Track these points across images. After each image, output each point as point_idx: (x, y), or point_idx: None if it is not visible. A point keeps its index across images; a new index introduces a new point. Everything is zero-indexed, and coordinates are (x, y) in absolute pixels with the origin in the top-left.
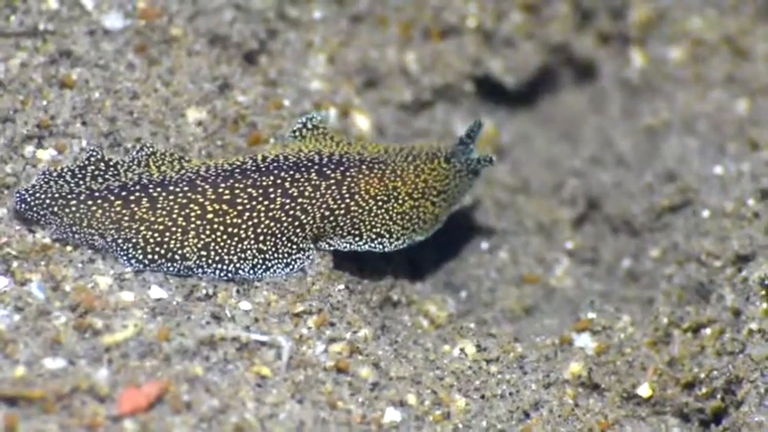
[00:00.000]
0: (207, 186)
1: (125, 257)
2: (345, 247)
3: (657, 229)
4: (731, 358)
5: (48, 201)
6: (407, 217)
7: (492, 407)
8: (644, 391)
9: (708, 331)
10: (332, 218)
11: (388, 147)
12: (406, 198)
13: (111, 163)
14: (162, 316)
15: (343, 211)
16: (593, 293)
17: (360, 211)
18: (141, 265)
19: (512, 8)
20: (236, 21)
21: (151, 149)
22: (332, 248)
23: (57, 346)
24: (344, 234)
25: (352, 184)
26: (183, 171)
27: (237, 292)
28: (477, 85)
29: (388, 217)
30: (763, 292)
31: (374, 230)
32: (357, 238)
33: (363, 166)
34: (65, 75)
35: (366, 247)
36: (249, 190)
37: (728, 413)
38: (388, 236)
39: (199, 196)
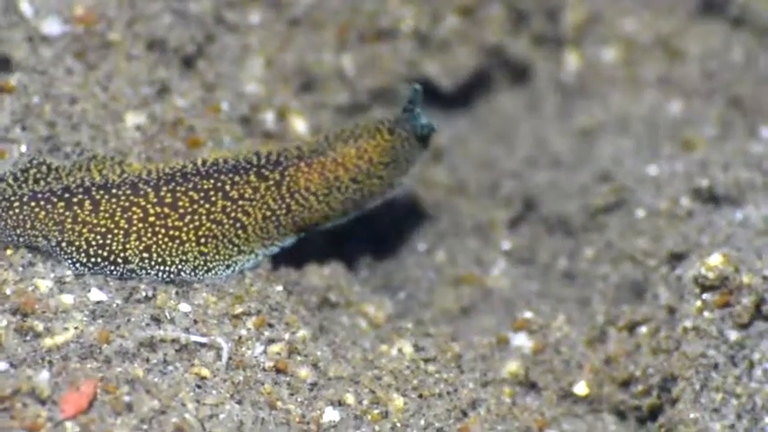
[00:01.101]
0: (149, 189)
1: (68, 260)
2: (292, 242)
3: (593, 228)
4: (666, 356)
5: None
6: (351, 200)
7: (430, 406)
8: (581, 389)
9: (643, 329)
10: (273, 218)
11: (330, 132)
12: (350, 184)
13: (53, 167)
14: (102, 318)
15: (284, 211)
16: (530, 293)
17: (300, 209)
18: (85, 268)
19: (447, 11)
20: (173, 25)
21: (92, 153)
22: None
23: None
24: (287, 233)
25: (291, 183)
26: (124, 175)
27: (177, 294)
28: None
29: (328, 208)
30: (698, 290)
31: (314, 223)
32: (299, 233)
33: (302, 163)
34: (4, 80)
35: (307, 234)
36: (190, 193)
37: (664, 410)
38: (327, 221)
39: (141, 199)
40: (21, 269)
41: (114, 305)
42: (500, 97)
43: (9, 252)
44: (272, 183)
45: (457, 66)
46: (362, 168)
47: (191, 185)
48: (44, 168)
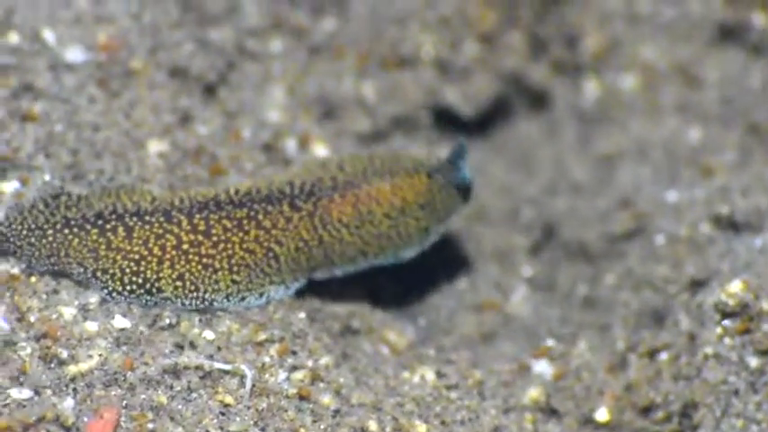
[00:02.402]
0: (182, 217)
1: (104, 288)
2: (324, 276)
3: (613, 255)
4: (687, 382)
5: (24, 231)
6: (385, 237)
7: None
8: (602, 415)
9: (664, 356)
10: (306, 249)
11: (368, 161)
12: (383, 219)
13: (83, 195)
14: (126, 345)
15: (316, 243)
16: (551, 319)
17: (332, 241)
18: (120, 296)
19: (467, 38)
20: (195, 54)
21: (121, 182)
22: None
23: (22, 376)
24: (318, 265)
25: (324, 215)
26: (156, 202)
27: (200, 321)
28: (434, 114)
29: (362, 242)
30: (718, 317)
31: (346, 256)
32: (331, 266)
33: (336, 195)
34: (27, 108)
35: (339, 271)
36: (224, 221)
37: None
38: (362, 257)
39: (174, 227)
40: (45, 296)
41: (138, 332)
42: (520, 124)
43: (33, 279)
44: (304, 213)
45: (477, 93)
46: (396, 205)
47: (224, 214)
48: (74, 196)
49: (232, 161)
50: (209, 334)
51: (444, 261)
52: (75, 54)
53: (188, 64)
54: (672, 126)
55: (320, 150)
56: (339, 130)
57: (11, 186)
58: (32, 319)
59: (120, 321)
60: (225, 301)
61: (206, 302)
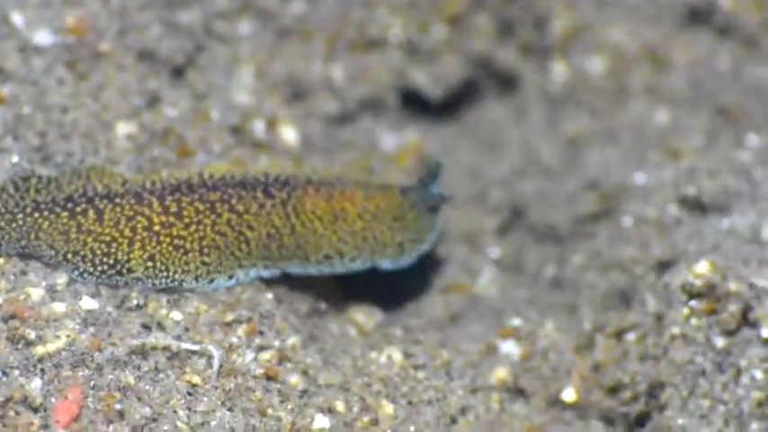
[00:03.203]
0: (153, 199)
1: (75, 270)
2: (298, 271)
3: (580, 236)
4: (654, 363)
5: None
6: (360, 237)
7: (419, 412)
8: (569, 395)
9: (631, 336)
10: (277, 236)
11: (342, 175)
12: (356, 219)
13: (53, 177)
14: (94, 326)
15: (288, 231)
16: (518, 301)
17: (304, 232)
18: (91, 277)
19: (435, 21)
20: (163, 36)
21: (91, 164)
22: (283, 272)
23: None
24: (291, 255)
25: (298, 204)
26: (127, 185)
27: (168, 302)
28: (402, 96)
29: (336, 238)
30: (685, 298)
31: (321, 252)
32: (305, 260)
33: (310, 188)
34: None
35: (315, 270)
36: (196, 204)
37: (652, 417)
38: (338, 256)
39: (145, 208)
40: (13, 278)
41: (106, 313)
42: (488, 106)
43: (1, 261)
44: (278, 201)
45: (445, 75)
46: (369, 209)
47: (197, 196)
48: (44, 179)
49: (200, 143)
50: (176, 315)
51: None
52: (43, 37)
53: (156, 46)
54: (640, 108)
55: (288, 132)
56: (307, 111)
57: None
58: (0, 300)
59: (87, 302)
60: (194, 282)
61: (175, 283)
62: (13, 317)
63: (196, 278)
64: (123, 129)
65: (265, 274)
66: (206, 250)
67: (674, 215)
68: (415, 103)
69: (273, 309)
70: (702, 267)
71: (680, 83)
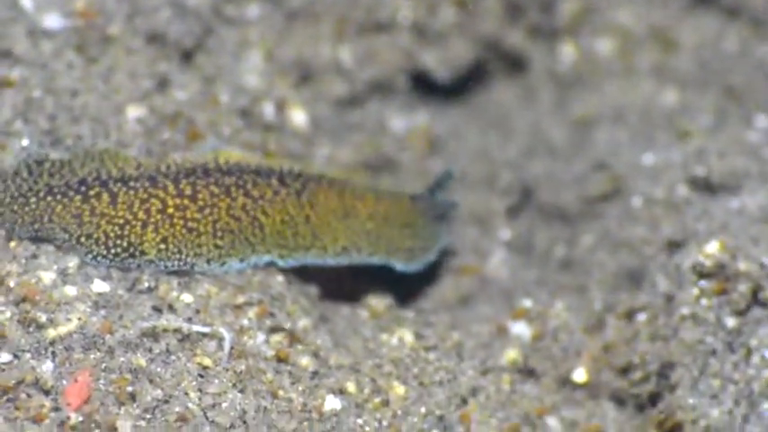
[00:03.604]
0: (168, 182)
1: (88, 253)
2: (316, 262)
3: (590, 217)
4: (664, 343)
5: (7, 199)
6: (373, 236)
7: (430, 393)
8: (579, 376)
9: (641, 317)
10: (292, 224)
11: (352, 177)
12: (367, 219)
13: (66, 160)
14: (105, 309)
15: (303, 220)
16: (528, 282)
17: (319, 222)
18: (105, 260)
19: (444, 3)
20: (173, 19)
21: (105, 147)
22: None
23: (2, 340)
24: (308, 245)
25: (311, 195)
26: (141, 168)
27: (179, 284)
28: (411, 79)
29: (350, 231)
30: (695, 278)
31: (339, 244)
32: (323, 251)
33: (323, 181)
34: (5, 75)
35: (333, 261)
36: (211, 187)
37: (663, 396)
38: (355, 250)
39: (160, 191)
40: (24, 261)
41: (117, 296)
42: (496, 88)
43: (13, 244)
44: (292, 190)
45: (454, 57)
46: (379, 212)
47: (212, 180)
48: (58, 163)
49: (210, 126)
50: (187, 297)
51: None
52: (52, 20)
53: (165, 30)
54: (648, 89)
55: (298, 115)
56: (316, 94)
57: None
58: (12, 283)
59: (99, 285)
60: (205, 265)
61: (188, 265)
62: (24, 300)
63: (208, 261)
64: (133, 112)
65: (281, 263)
66: (219, 233)
67: (684, 195)
68: (423, 86)
69: (284, 291)
70: (712, 247)
71: (688, 64)
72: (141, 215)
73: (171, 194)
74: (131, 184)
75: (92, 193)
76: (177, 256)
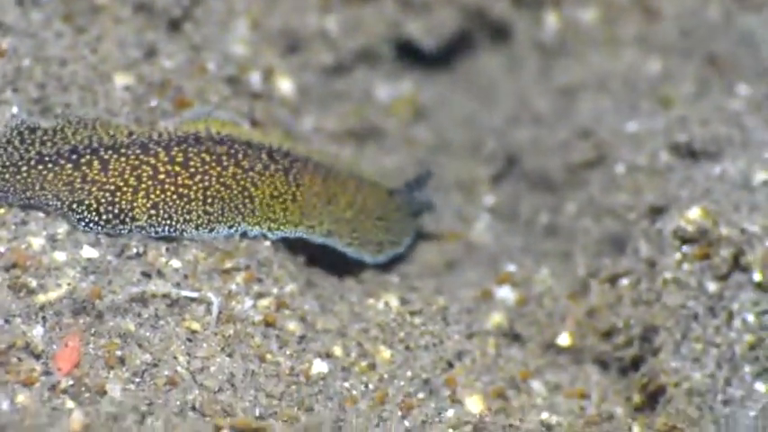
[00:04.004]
0: (159, 149)
1: (80, 220)
2: (307, 238)
3: (574, 184)
4: (647, 307)
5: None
6: (351, 225)
7: (416, 357)
8: (564, 340)
9: (624, 282)
10: (281, 199)
11: (337, 161)
12: (346, 207)
13: (59, 127)
14: (94, 275)
15: (290, 197)
16: (513, 247)
17: (305, 203)
18: (97, 227)
19: None
20: None
21: (97, 115)
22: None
23: None
24: (297, 222)
25: (298, 175)
26: (133, 136)
27: (167, 250)
28: (397, 48)
29: (332, 218)
30: (677, 243)
31: (324, 227)
32: (311, 230)
33: (309, 164)
34: None
35: (321, 240)
36: (203, 155)
37: (646, 360)
38: (338, 236)
39: (151, 158)
40: (14, 228)
41: (106, 262)
42: (481, 57)
43: (2, 211)
44: (281, 167)
45: (439, 26)
46: (358, 201)
47: (203, 148)
48: (50, 130)
49: (198, 93)
50: (175, 263)
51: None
52: None
53: None
54: (631, 58)
55: (284, 83)
56: (303, 63)
57: None
58: (2, 249)
59: (88, 251)
60: (194, 231)
61: (177, 231)
62: (14, 266)
63: (197, 227)
64: (121, 80)
65: (270, 236)
66: (210, 200)
67: (666, 162)
68: (409, 55)
69: (271, 256)
70: (694, 213)
71: (670, 32)
72: (132, 181)
73: (162, 161)
74: (123, 151)
75: (83, 160)
76: (167, 222)
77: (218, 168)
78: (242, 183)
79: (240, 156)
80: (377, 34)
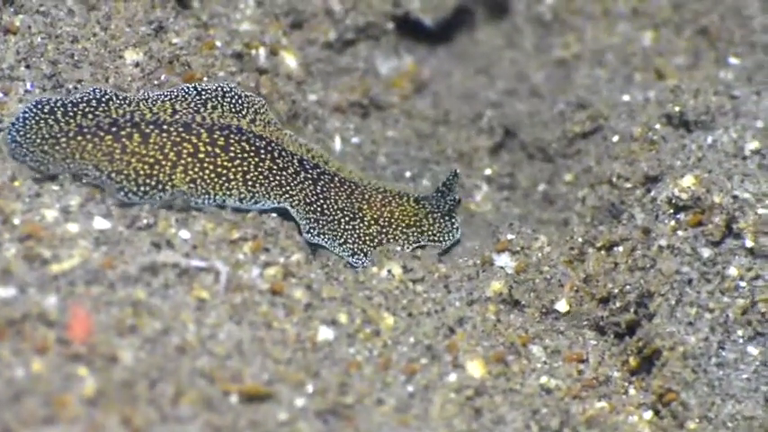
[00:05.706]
0: (202, 131)
1: (119, 189)
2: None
3: (570, 154)
4: (643, 273)
5: (38, 140)
6: (376, 241)
7: (419, 324)
8: (562, 306)
9: (620, 249)
10: (312, 208)
11: (362, 176)
12: (372, 222)
13: (104, 99)
14: (106, 245)
15: (319, 209)
16: (512, 216)
17: (330, 218)
18: (135, 197)
19: None
20: None
21: (144, 94)
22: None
23: (8, 276)
24: (329, 235)
25: (324, 189)
26: (176, 116)
27: (176, 221)
28: (398, 23)
29: (356, 235)
30: (671, 211)
31: (347, 244)
32: (338, 244)
33: (336, 178)
34: (9, 22)
35: (345, 256)
36: (243, 144)
37: (642, 325)
38: (362, 255)
39: (193, 137)
40: (28, 200)
41: (117, 233)
42: (480, 32)
43: (17, 183)
44: (309, 177)
45: (439, 2)
46: (384, 215)
47: (245, 138)
48: (94, 103)
49: (206, 69)
50: (184, 233)
51: (409, 162)
52: None
53: None
54: (625, 31)
55: (289, 59)
56: (307, 39)
57: None
58: (17, 221)
59: (99, 222)
60: (238, 202)
61: (217, 203)
62: (28, 237)
63: (240, 200)
64: (131, 57)
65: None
66: (250, 183)
67: (660, 132)
68: (410, 30)
69: (278, 227)
70: (687, 181)
71: (663, 5)
72: (172, 156)
73: (204, 141)
74: (164, 127)
75: (123, 133)
76: (205, 196)
77: (256, 159)
78: (277, 179)
79: (276, 154)
80: (378, 11)
